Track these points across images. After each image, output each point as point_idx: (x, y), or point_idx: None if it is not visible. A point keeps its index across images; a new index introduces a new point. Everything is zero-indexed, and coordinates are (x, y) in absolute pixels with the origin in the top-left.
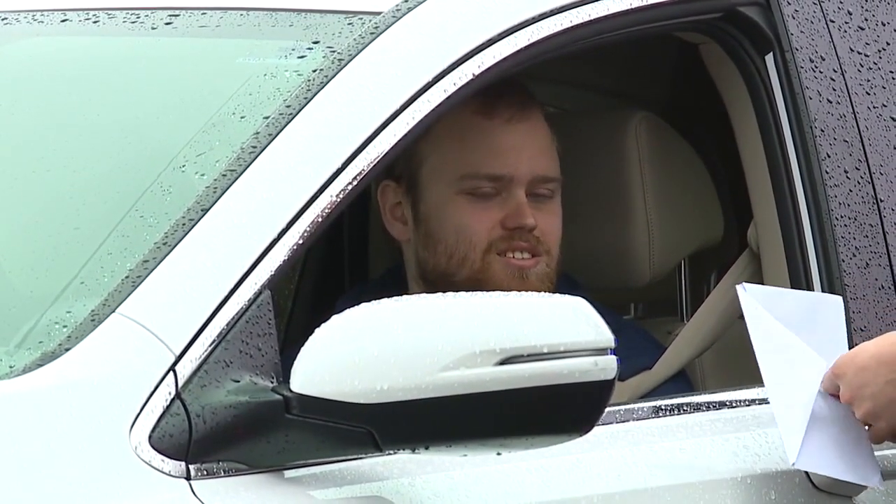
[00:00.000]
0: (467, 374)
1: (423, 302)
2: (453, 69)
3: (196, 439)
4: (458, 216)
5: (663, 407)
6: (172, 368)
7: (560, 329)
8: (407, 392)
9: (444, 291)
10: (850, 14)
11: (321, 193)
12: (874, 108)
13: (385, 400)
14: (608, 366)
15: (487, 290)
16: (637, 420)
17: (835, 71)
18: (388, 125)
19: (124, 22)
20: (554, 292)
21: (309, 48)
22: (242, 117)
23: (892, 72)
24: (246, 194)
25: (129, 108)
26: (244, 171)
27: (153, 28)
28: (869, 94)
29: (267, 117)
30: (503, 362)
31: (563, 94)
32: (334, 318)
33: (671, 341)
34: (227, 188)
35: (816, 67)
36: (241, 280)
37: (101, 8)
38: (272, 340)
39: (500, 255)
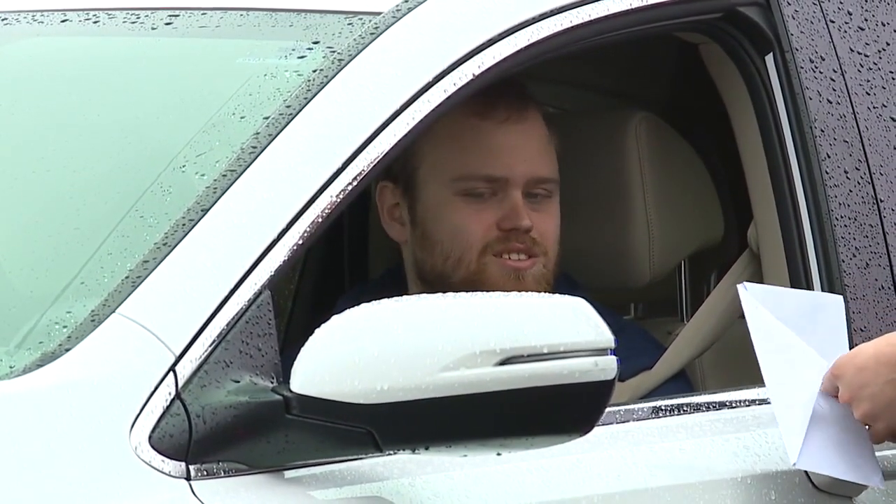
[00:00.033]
0: (467, 374)
1: (423, 302)
2: (453, 69)
3: (196, 439)
4: (454, 217)
5: (663, 407)
6: (172, 369)
7: (560, 329)
8: (407, 392)
9: (441, 292)
10: (850, 14)
11: (321, 194)
12: (874, 108)
13: (385, 400)
14: (608, 366)
15: (484, 292)
16: (637, 420)
17: (835, 71)
18: (388, 125)
19: (124, 22)
20: (553, 292)
21: (309, 48)
22: (242, 117)
23: (892, 72)
24: (246, 195)
25: (129, 109)
26: (244, 171)
27: (153, 28)
28: (869, 95)
29: (267, 117)
30: (503, 362)
31: (563, 94)
32: (334, 318)
33: (671, 341)
34: (227, 188)
35: (816, 68)
36: (241, 280)
37: (101, 8)
38: (272, 341)
39: (496, 257)
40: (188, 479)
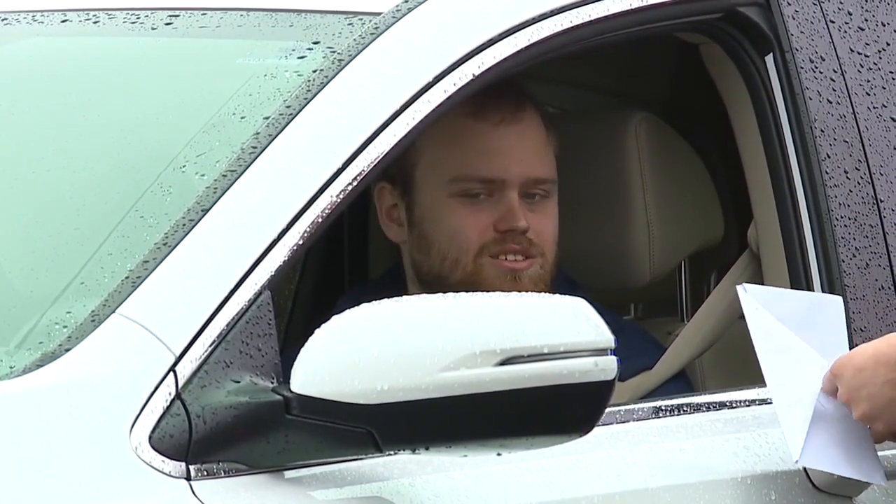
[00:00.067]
0: (467, 374)
1: (423, 302)
2: (453, 69)
3: (196, 440)
4: (450, 219)
5: (663, 407)
6: (173, 369)
7: (560, 329)
8: (407, 392)
9: (439, 293)
10: (851, 14)
11: (321, 194)
12: (874, 108)
13: (385, 400)
14: (608, 366)
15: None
16: (637, 420)
17: (835, 71)
18: (388, 125)
19: (124, 22)
20: (551, 293)
21: (309, 49)
22: (242, 118)
23: (892, 72)
24: (246, 195)
25: (129, 109)
26: (244, 171)
27: (153, 28)
28: (869, 95)
29: (267, 118)
30: (503, 363)
31: (563, 94)
32: (334, 318)
33: (671, 341)
34: (228, 188)
35: (816, 68)
36: (241, 280)
37: (101, 8)
38: (272, 341)
39: (492, 258)
40: (188, 479)
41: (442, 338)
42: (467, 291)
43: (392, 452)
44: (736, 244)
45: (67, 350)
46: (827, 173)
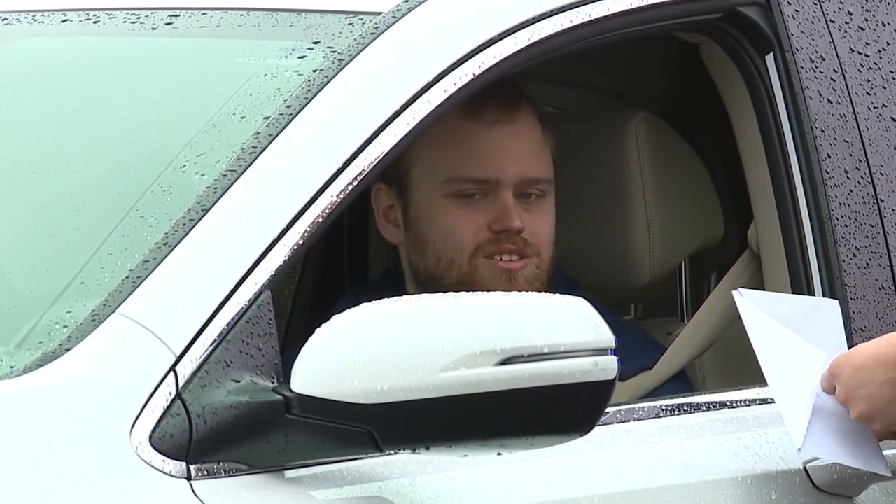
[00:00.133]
0: (467, 374)
1: (423, 302)
2: (454, 69)
3: (196, 439)
4: (445, 219)
5: (663, 407)
6: (173, 368)
7: (560, 329)
8: (407, 392)
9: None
10: (851, 14)
11: (321, 194)
12: (874, 108)
13: (385, 400)
14: (608, 366)
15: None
16: (637, 420)
17: (835, 71)
18: (388, 125)
19: (124, 22)
20: (550, 293)
21: (309, 48)
22: (243, 117)
23: (892, 72)
24: (246, 195)
25: (129, 109)
26: (244, 171)
27: (153, 28)
28: (869, 95)
29: (267, 117)
30: (503, 362)
31: (563, 94)
32: (334, 318)
33: (671, 341)
34: (228, 188)
35: (817, 68)
36: (241, 280)
37: (101, 8)
38: (272, 340)
39: (487, 258)
40: (189, 478)
41: (442, 338)
42: (463, 291)
43: (392, 452)
44: (736, 244)
45: (68, 350)
46: (827, 173)
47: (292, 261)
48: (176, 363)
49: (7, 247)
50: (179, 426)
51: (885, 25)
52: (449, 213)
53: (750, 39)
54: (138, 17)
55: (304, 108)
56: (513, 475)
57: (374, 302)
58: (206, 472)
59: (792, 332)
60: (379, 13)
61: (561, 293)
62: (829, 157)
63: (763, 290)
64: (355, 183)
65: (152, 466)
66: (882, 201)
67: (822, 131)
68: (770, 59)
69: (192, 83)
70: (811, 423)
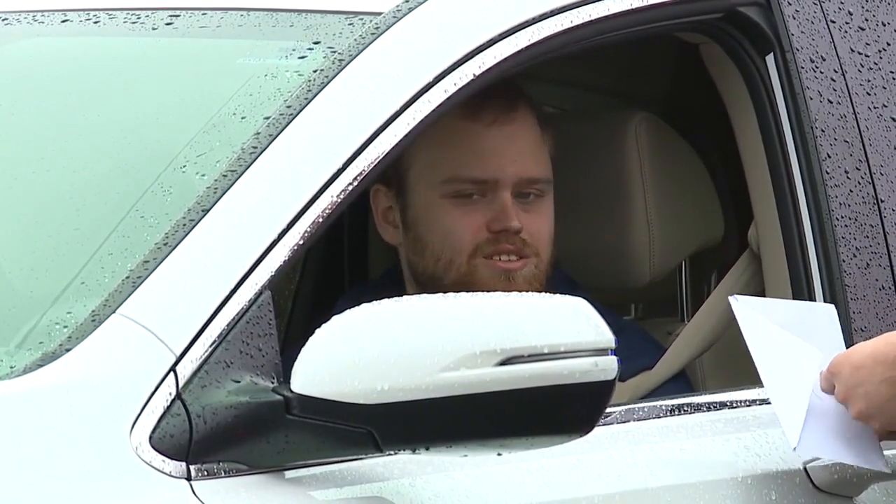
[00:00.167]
0: (468, 374)
1: (423, 302)
2: (454, 69)
3: (196, 440)
4: (443, 220)
5: (663, 407)
6: (173, 369)
7: (561, 329)
8: (407, 392)
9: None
10: (851, 14)
11: (322, 194)
12: (875, 108)
13: (385, 400)
14: (609, 366)
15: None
16: (637, 420)
17: (835, 71)
18: (388, 125)
19: (125, 22)
20: (550, 293)
21: (309, 48)
22: (243, 118)
23: (892, 72)
24: (246, 195)
25: (129, 109)
26: (244, 171)
27: (154, 28)
28: (869, 95)
29: (267, 118)
30: (504, 363)
31: (563, 94)
32: (334, 318)
33: (671, 342)
34: (228, 189)
35: (817, 68)
36: (241, 280)
37: (101, 8)
38: (272, 341)
39: (486, 259)
40: (189, 479)
41: (442, 338)
42: (462, 292)
43: (392, 452)
44: (736, 244)
45: (68, 350)
46: (827, 173)
47: (292, 261)
48: (176, 363)
49: (7, 247)
50: (179, 426)
51: (885, 25)
52: (447, 213)
53: (750, 39)
54: (138, 18)
55: (304, 108)
56: (513, 475)
57: (374, 302)
58: (206, 473)
59: (789, 335)
60: (379, 13)
61: (561, 293)
62: (830, 157)
63: (763, 289)
64: (355, 183)
65: (152, 467)
66: (882, 201)
67: (823, 131)
68: (770, 59)
69: (192, 83)
70: (809, 422)
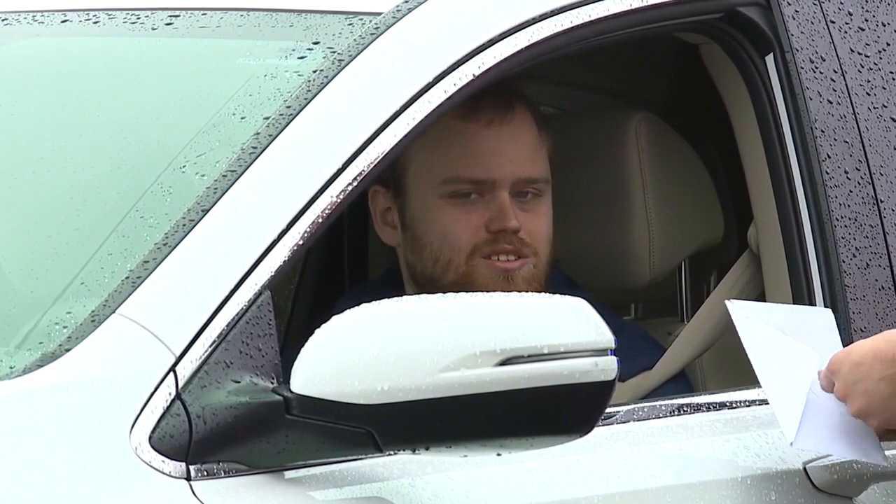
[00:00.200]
0: (468, 374)
1: (423, 302)
2: (454, 70)
3: (196, 440)
4: (441, 220)
5: (663, 408)
6: (173, 369)
7: (560, 330)
8: (407, 393)
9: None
10: (851, 15)
11: (321, 194)
12: (874, 108)
13: (385, 401)
14: (608, 366)
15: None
16: (637, 420)
17: (835, 72)
18: (388, 126)
19: (125, 22)
20: (550, 293)
21: (309, 49)
22: (243, 118)
23: (892, 72)
24: (246, 195)
25: (129, 109)
26: (244, 171)
27: (153, 29)
28: (869, 95)
29: (267, 118)
30: (503, 363)
31: (563, 94)
32: (334, 318)
33: (671, 342)
34: (228, 189)
35: (817, 68)
36: (241, 281)
37: (101, 8)
38: (272, 341)
39: (484, 259)
40: (188, 479)
41: (442, 338)
42: (461, 292)
43: (392, 452)
44: (736, 244)
45: (67, 350)
46: (827, 173)
47: (292, 261)
48: (176, 364)
49: (7, 247)
50: (179, 427)
51: (885, 26)
52: (445, 213)
53: (750, 40)
54: (138, 18)
55: (304, 108)
56: (513, 475)
57: (374, 302)
58: (205, 473)
59: (786, 337)
60: (379, 13)
61: (561, 293)
62: (829, 157)
63: (763, 289)
64: (355, 183)
65: (152, 467)
66: (882, 202)
67: (822, 132)
68: (770, 59)
69: (192, 83)
70: (806, 419)
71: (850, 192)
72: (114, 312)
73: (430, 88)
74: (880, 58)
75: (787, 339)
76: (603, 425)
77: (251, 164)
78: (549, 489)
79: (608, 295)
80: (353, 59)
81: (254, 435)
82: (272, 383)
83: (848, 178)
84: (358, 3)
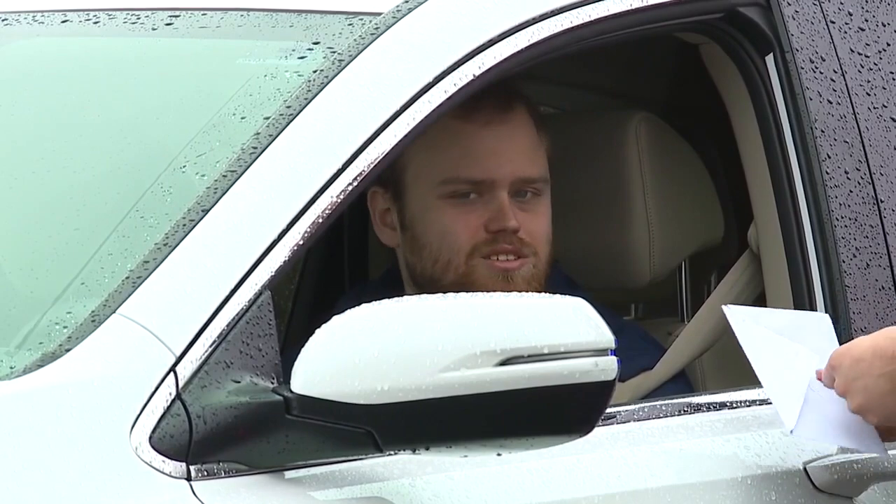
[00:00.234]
0: (468, 374)
1: (423, 302)
2: (454, 70)
3: (196, 440)
4: (441, 221)
5: (664, 407)
6: (173, 369)
7: (561, 330)
8: (407, 393)
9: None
10: (851, 15)
11: (321, 194)
12: (874, 108)
13: (385, 401)
14: (609, 366)
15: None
16: (637, 420)
17: (835, 72)
18: (388, 126)
19: (125, 23)
20: (545, 292)
21: (309, 49)
22: (243, 118)
23: (892, 73)
24: (246, 195)
25: (129, 109)
26: (244, 171)
27: (153, 29)
28: (869, 95)
29: (267, 118)
30: (504, 363)
31: (563, 95)
32: (335, 318)
33: (671, 342)
34: (228, 189)
35: (817, 68)
36: (241, 281)
37: (101, 9)
38: (272, 341)
39: (484, 259)
40: (189, 479)
41: (442, 338)
42: (461, 292)
43: (392, 453)
44: (736, 244)
45: (68, 350)
46: (827, 173)
47: (292, 261)
48: (176, 364)
49: (7, 247)
50: (179, 427)
51: (885, 26)
52: (444, 213)
53: (750, 40)
54: (138, 18)
55: (304, 108)
56: (513, 475)
57: (374, 302)
58: (206, 473)
59: (785, 340)
60: (379, 14)
61: (561, 293)
62: (830, 157)
63: (763, 289)
64: (355, 183)
65: (152, 467)
66: (882, 202)
67: (823, 132)
68: (770, 59)
69: (192, 83)
70: (807, 412)
71: (851, 192)
72: (114, 312)
73: (430, 88)
74: (880, 58)
75: (786, 342)
76: (603, 425)
77: (251, 164)
78: (550, 489)
79: (608, 295)
80: (354, 59)
81: (254, 435)
82: (272, 383)
83: (848, 178)
84: (358, 3)
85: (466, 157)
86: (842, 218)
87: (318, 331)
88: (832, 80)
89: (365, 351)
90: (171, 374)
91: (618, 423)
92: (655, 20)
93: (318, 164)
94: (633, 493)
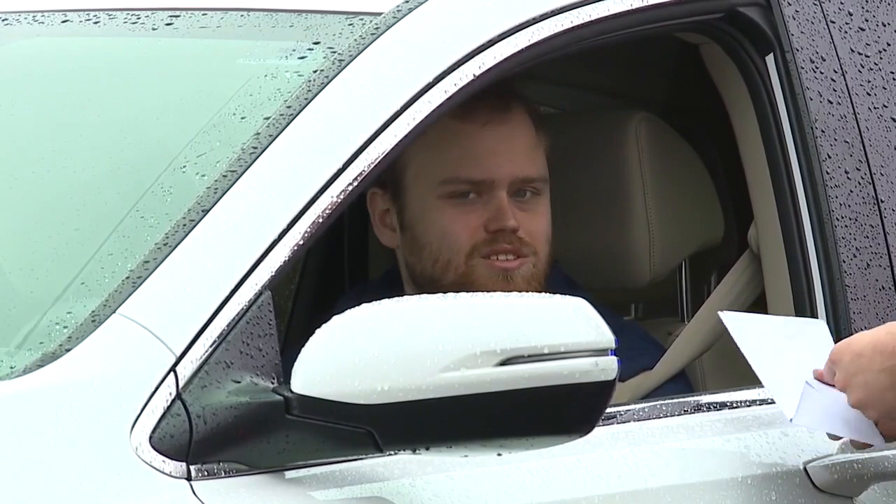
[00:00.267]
0: (468, 374)
1: (423, 303)
2: (454, 70)
3: (197, 440)
4: (440, 221)
5: (664, 407)
6: (173, 369)
7: (561, 330)
8: (407, 393)
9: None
10: (851, 15)
11: (322, 194)
12: (875, 108)
13: (386, 401)
14: (609, 366)
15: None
16: (637, 420)
17: (835, 72)
18: (388, 126)
19: (125, 23)
20: (545, 292)
21: (309, 49)
22: (243, 118)
23: (892, 73)
24: (246, 195)
25: (129, 109)
26: (245, 171)
27: (154, 29)
28: (870, 95)
29: (267, 118)
30: (504, 363)
31: (563, 95)
32: (335, 318)
33: (671, 342)
34: (228, 189)
35: (817, 68)
36: (241, 281)
37: (101, 9)
38: (273, 341)
39: (483, 258)
40: (189, 479)
41: (442, 338)
42: (461, 292)
43: (392, 452)
44: (736, 244)
45: (68, 350)
46: (827, 173)
47: (292, 261)
48: (176, 364)
49: (7, 247)
50: (179, 427)
51: (885, 26)
52: (444, 214)
53: (750, 40)
54: (138, 18)
55: (304, 108)
56: (513, 475)
57: (374, 302)
58: (206, 473)
59: (783, 342)
60: (379, 14)
61: (561, 293)
62: (830, 157)
63: (763, 290)
64: (355, 183)
65: (152, 467)
66: (882, 202)
67: (823, 132)
68: (770, 59)
69: (192, 83)
70: (805, 403)
71: (851, 192)
72: (114, 312)
73: (430, 88)
74: (880, 58)
75: (783, 342)
76: (603, 425)
77: (251, 164)
78: (550, 489)
79: (608, 295)
80: (354, 59)
81: (254, 435)
82: (272, 383)
83: (848, 178)
84: (358, 3)
85: (466, 157)
86: (842, 218)
87: (318, 331)
88: (832, 80)
89: (365, 351)
90: (172, 373)
91: (618, 423)
92: (655, 20)
93: (318, 164)
94: (633, 493)
